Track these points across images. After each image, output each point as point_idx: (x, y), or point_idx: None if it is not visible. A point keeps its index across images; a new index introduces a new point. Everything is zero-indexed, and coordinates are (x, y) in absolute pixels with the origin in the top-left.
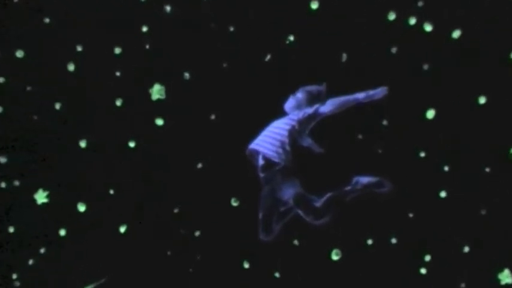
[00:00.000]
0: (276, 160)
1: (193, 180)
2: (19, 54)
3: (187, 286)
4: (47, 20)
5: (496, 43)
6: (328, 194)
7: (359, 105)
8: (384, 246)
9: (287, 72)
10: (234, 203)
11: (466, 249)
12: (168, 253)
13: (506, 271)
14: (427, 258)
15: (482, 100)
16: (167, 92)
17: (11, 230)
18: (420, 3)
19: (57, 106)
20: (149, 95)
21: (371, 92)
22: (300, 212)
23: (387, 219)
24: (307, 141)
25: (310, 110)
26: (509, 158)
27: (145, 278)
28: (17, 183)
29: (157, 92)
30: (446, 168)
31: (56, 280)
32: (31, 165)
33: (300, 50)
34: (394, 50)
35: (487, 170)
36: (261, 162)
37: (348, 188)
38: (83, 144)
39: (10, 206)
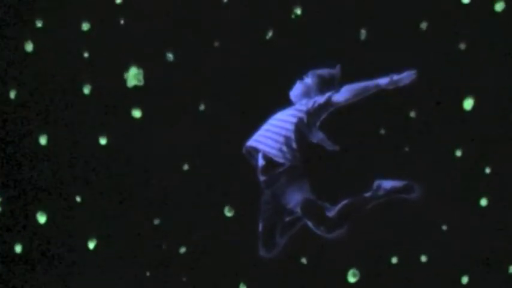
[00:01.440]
0: (280, 160)
1: (178, 184)
2: None
3: None
4: None
5: None
6: (344, 201)
7: (381, 93)
8: (412, 266)
9: (293, 52)
10: (228, 212)
11: None
12: (147, 274)
13: None
14: (465, 280)
15: None
16: (146, 77)
17: None
18: None
19: (12, 94)
20: (124, 81)
21: (395, 77)
22: (309, 223)
23: (416, 232)
24: (317, 137)
25: (321, 99)
26: None
27: None
28: None
29: (133, 77)
30: (487, 171)
31: None
32: None
33: (309, 26)
34: (424, 25)
35: None
36: (261, 162)
37: (368, 194)
38: (43, 140)
39: None
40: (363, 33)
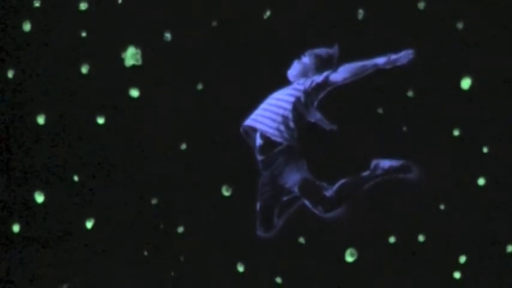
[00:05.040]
0: (278, 139)
1: (176, 164)
2: None
3: None
4: None
5: None
6: (341, 181)
7: (379, 72)
8: (410, 246)
9: (291, 32)
10: (226, 192)
11: (510, 248)
12: (145, 253)
13: None
14: (463, 259)
15: None
16: (144, 56)
17: None
18: None
19: (10, 74)
20: (122, 61)
21: (393, 56)
22: (307, 203)
23: (413, 212)
24: (315, 116)
25: (319, 78)
26: None
27: (116, 284)
28: None
29: (131, 56)
30: (485, 150)
31: (7, 285)
32: None
33: (307, 5)
34: (421, 5)
35: None
36: (259, 141)
37: (366, 173)
38: (40, 120)
39: None
40: (361, 12)
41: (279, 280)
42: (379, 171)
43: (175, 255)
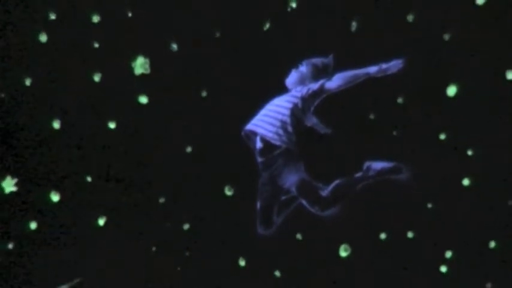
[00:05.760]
0: (277, 142)
1: (182, 165)
2: None
3: (175, 287)
4: None
5: None
6: (336, 182)
7: (370, 81)
8: (399, 242)
9: (289, 42)
10: (228, 191)
11: (492, 244)
12: (153, 249)
13: None
14: (448, 254)
15: (511, 75)
16: (152, 65)
17: None
18: None
19: (27, 82)
20: (132, 69)
21: (384, 66)
22: (304, 202)
23: (403, 210)
24: (311, 121)
25: (315, 86)
26: None
27: (126, 278)
28: None
29: (140, 65)
30: (470, 153)
31: (25, 280)
32: None
33: (304, 18)
34: (410, 17)
35: None
36: (259, 145)
37: (359, 174)
38: (56, 125)
39: None
40: (354, 25)
41: (277, 273)
42: (371, 173)
43: (182, 250)
